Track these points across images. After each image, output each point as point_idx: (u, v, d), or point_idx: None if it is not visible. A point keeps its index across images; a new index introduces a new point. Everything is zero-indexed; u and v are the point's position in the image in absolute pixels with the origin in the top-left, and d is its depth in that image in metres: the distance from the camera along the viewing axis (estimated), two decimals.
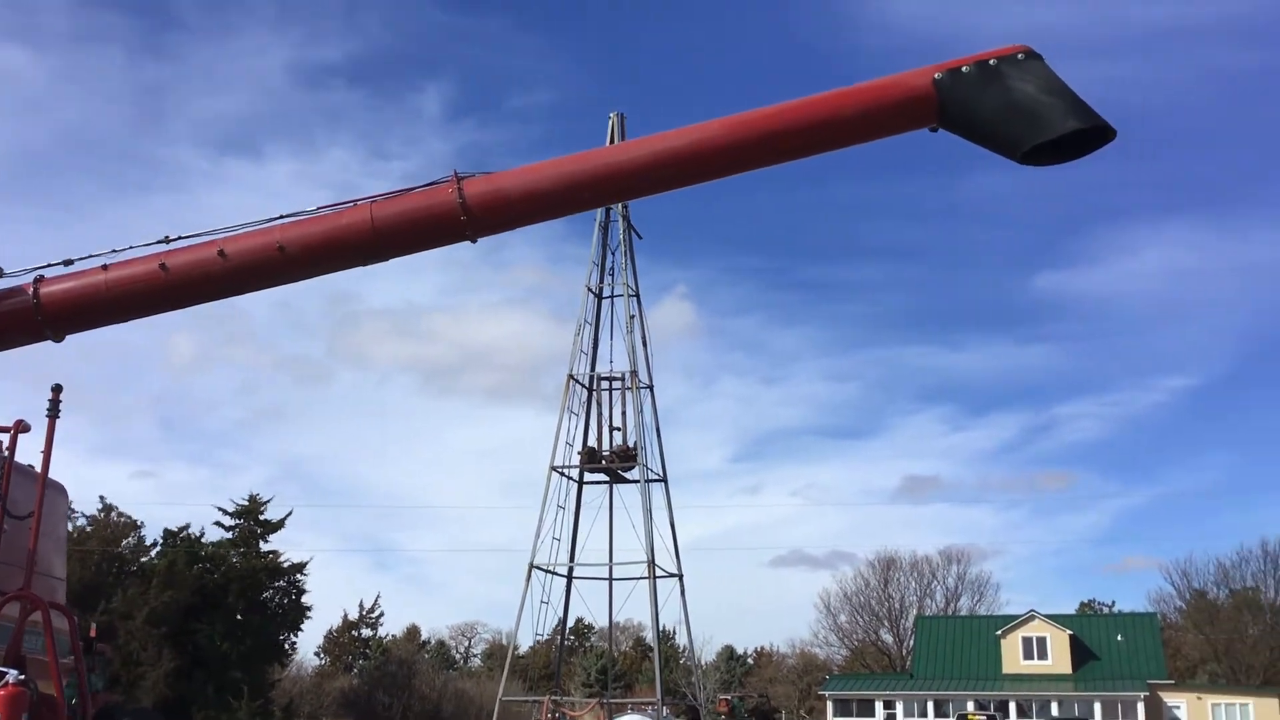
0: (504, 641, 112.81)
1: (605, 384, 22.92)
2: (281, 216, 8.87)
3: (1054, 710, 66.27)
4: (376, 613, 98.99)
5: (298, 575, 59.37)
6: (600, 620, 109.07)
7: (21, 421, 6.98)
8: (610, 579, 24.38)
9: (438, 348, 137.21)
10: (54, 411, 6.99)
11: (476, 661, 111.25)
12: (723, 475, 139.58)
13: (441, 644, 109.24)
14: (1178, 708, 67.94)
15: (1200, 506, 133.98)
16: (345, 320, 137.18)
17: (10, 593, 6.86)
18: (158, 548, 58.68)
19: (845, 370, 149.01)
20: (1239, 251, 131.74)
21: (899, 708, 71.08)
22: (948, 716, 68.33)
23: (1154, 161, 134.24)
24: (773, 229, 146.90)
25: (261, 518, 59.74)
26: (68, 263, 8.87)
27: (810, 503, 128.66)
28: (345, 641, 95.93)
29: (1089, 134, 8.14)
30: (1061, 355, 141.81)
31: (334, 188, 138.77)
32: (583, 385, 23.59)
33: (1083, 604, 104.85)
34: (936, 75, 8.34)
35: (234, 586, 55.93)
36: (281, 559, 59.10)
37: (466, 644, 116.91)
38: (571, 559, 23.95)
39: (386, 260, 8.85)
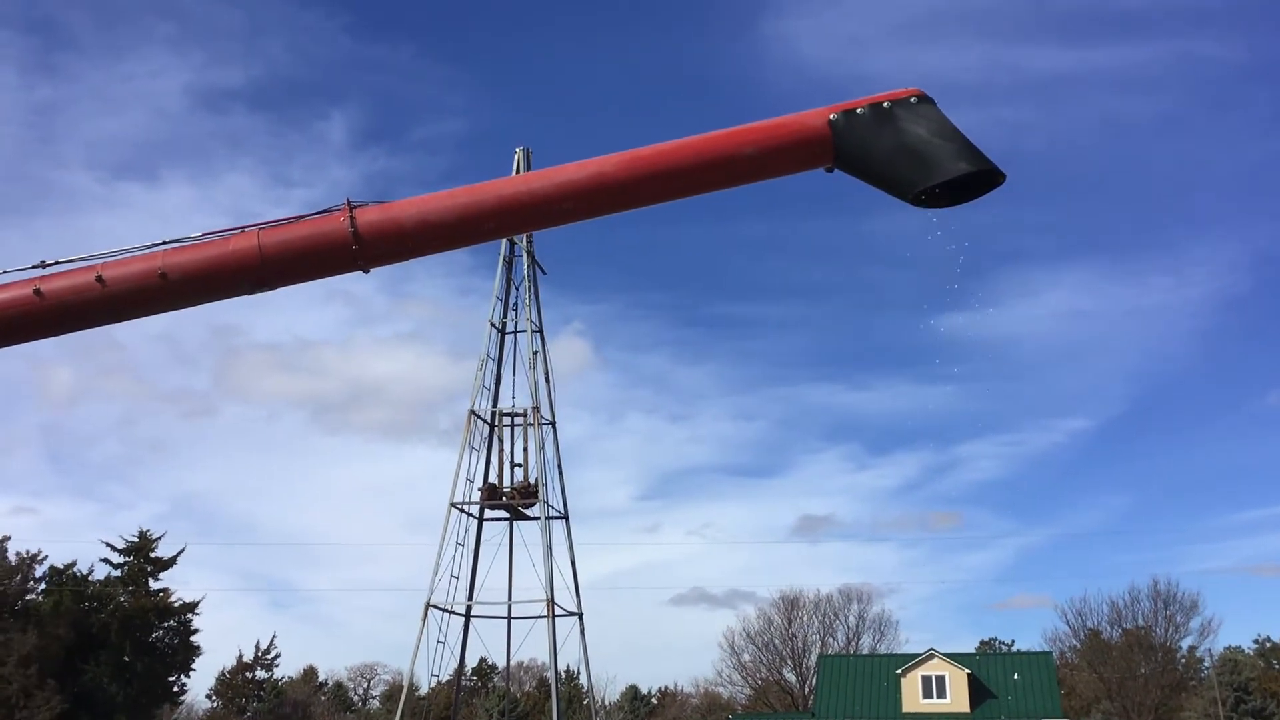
0: (403, 683, 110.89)
1: (507, 420, 22.69)
2: (165, 242, 8.59)
3: None
4: (272, 653, 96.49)
5: (189, 615, 57.67)
6: (501, 660, 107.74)
7: None
8: (509, 618, 24.09)
9: (328, 383, 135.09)
10: None
11: (375, 703, 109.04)
12: (627, 513, 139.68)
13: (339, 685, 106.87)
14: None
15: (1096, 546, 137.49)
16: (230, 353, 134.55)
17: None
18: (43, 585, 56.60)
19: (751, 408, 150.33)
20: (1134, 295, 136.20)
21: None
22: None
23: (1051, 206, 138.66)
24: (681, 265, 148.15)
25: (152, 555, 58.05)
26: None
27: (711, 541, 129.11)
28: (239, 683, 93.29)
29: (979, 177, 8.28)
30: (963, 395, 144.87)
31: (234, 215, 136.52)
32: (484, 421, 23.35)
33: (982, 642, 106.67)
34: (832, 116, 8.41)
35: (120, 626, 54.12)
36: (172, 598, 57.41)
37: (365, 685, 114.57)
38: (470, 597, 23.60)
39: (274, 289, 8.61)
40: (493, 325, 23.23)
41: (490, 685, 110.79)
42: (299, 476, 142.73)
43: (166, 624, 56.98)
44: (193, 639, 57.66)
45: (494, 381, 22.79)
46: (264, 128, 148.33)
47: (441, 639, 22.35)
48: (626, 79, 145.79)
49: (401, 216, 8.53)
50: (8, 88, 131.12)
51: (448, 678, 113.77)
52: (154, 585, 57.52)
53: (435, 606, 22.05)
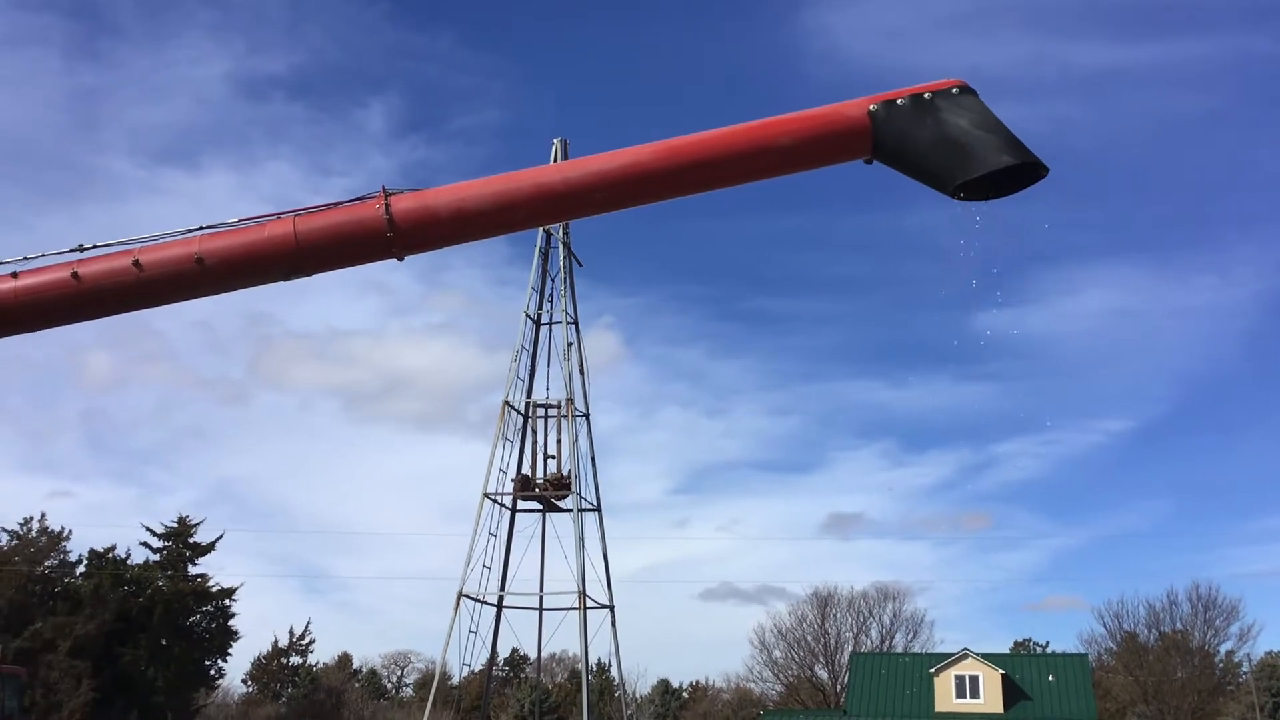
0: (435, 671, 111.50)
1: (541, 411, 22.67)
2: (202, 227, 8.63)
3: None
4: (307, 640, 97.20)
5: (227, 600, 58.20)
6: (533, 651, 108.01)
7: None
8: (540, 609, 24.07)
9: (361, 372, 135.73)
10: None
11: (409, 691, 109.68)
12: (659, 507, 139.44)
13: (373, 673, 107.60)
14: None
15: (1134, 549, 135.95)
16: (265, 342, 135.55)
17: None
18: (82, 568, 57.30)
19: (786, 404, 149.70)
20: (1177, 295, 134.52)
21: None
22: None
23: (1096, 203, 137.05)
24: (718, 258, 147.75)
25: (191, 540, 58.63)
26: None
27: (741, 537, 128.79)
28: (274, 669, 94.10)
29: (1021, 170, 8.15)
30: (1001, 394, 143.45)
31: (275, 202, 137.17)
32: (518, 412, 23.34)
33: (1016, 643, 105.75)
34: (871, 107, 8.31)
35: (160, 610, 54.71)
36: (210, 583, 57.95)
37: (399, 673, 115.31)
38: (502, 588, 23.60)
39: (309, 275, 8.63)
40: (528, 316, 23.23)
41: (522, 676, 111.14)
42: (332, 465, 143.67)
43: (204, 609, 57.55)
44: (230, 624, 58.22)
45: (528, 373, 22.79)
46: (304, 115, 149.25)
47: (474, 629, 22.37)
48: (664, 70, 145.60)
49: (436, 204, 8.51)
50: (52, 73, 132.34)
51: (479, 667, 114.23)
52: (192, 570, 58.11)
53: (468, 596, 22.08)
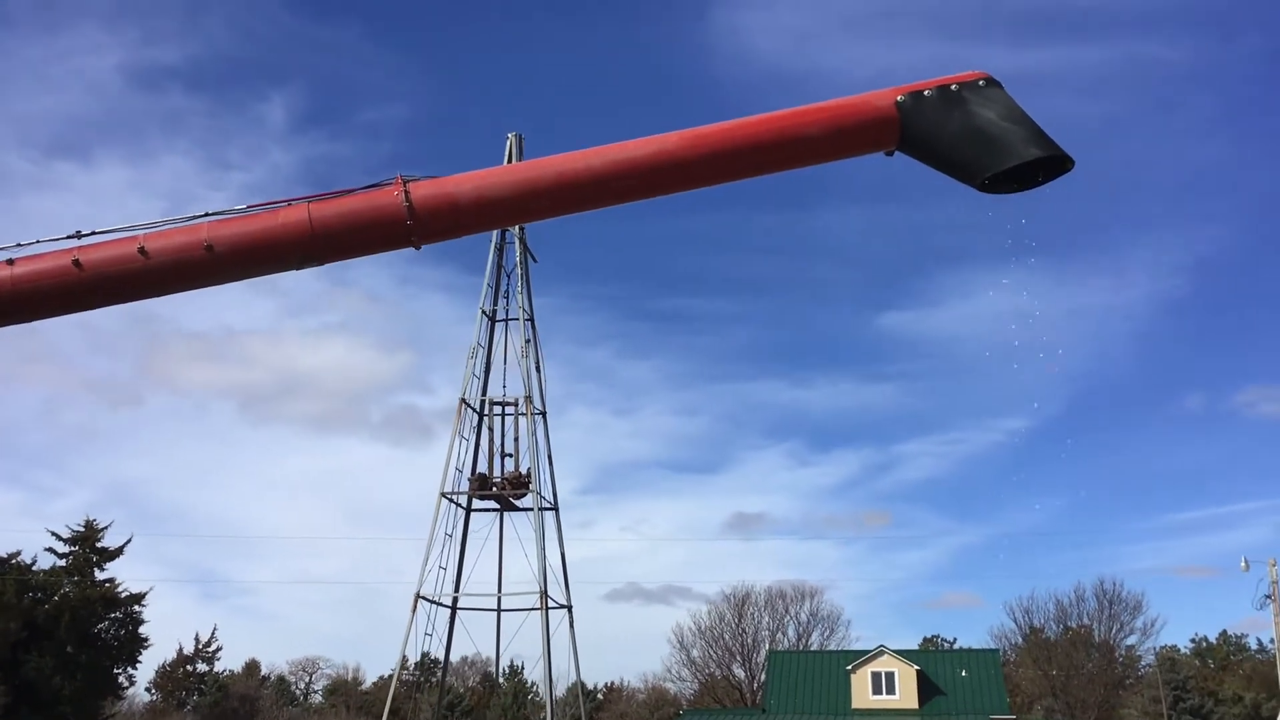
0: (348, 676, 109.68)
1: (497, 409, 22.32)
2: (207, 214, 8.28)
3: None
4: (214, 646, 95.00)
5: (136, 607, 56.52)
6: (484, 649, 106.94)
7: None
8: (499, 610, 23.73)
9: (256, 373, 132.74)
10: None
11: (318, 697, 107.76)
12: (567, 507, 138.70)
13: (282, 679, 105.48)
14: None
15: (1032, 545, 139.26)
16: (153, 342, 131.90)
17: None
18: None
19: (694, 404, 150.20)
20: (1074, 296, 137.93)
21: None
22: None
23: (992, 205, 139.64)
24: (626, 258, 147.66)
25: (98, 544, 56.81)
26: None
27: (648, 537, 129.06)
28: (179, 676, 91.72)
29: (1048, 163, 8.20)
30: (904, 394, 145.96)
31: (170, 197, 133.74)
32: (474, 410, 22.95)
33: (925, 639, 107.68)
34: (899, 98, 8.30)
35: (67, 617, 52.90)
36: (119, 589, 56.22)
37: (307, 679, 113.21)
38: (457, 589, 23.21)
39: (322, 264, 8.32)
40: (483, 312, 22.89)
41: (433, 680, 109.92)
42: (229, 467, 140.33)
43: (113, 615, 55.80)
44: (140, 631, 56.54)
45: (484, 370, 22.39)
46: (202, 108, 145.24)
47: (429, 630, 21.93)
48: (574, 67, 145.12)
49: (457, 192, 8.28)
50: None
51: (389, 671, 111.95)
52: (100, 576, 56.32)
53: (424, 598, 21.63)
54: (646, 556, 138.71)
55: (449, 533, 21.15)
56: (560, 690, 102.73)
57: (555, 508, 22.18)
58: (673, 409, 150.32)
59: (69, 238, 8.23)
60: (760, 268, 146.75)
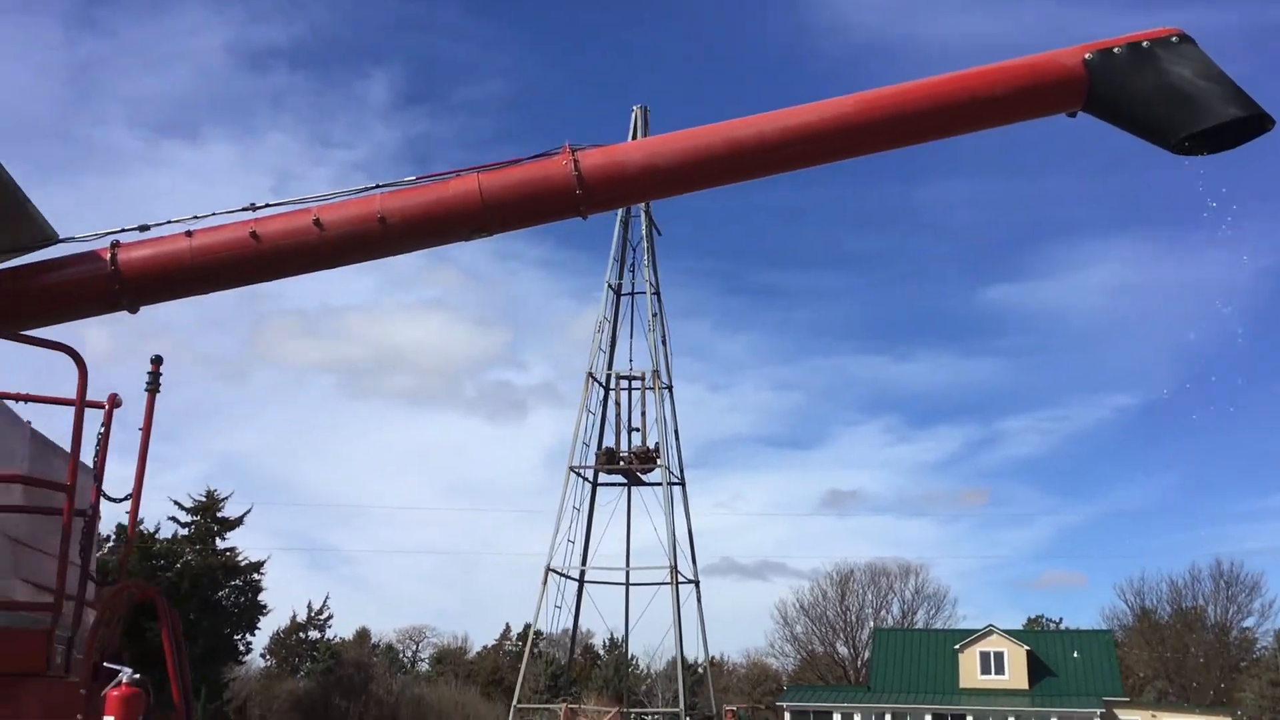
0: (454, 645, 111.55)
1: (625, 383, 22.29)
2: (377, 185, 8.29)
3: None
4: (325, 614, 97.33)
5: (255, 575, 58.10)
6: (565, 625, 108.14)
7: (115, 395, 6.33)
8: (627, 584, 23.78)
9: (355, 349, 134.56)
10: (154, 385, 6.35)
11: (424, 666, 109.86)
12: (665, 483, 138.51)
13: (390, 647, 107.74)
14: None
15: (1139, 524, 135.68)
16: (259, 318, 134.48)
17: (120, 583, 6.24)
18: (110, 544, 57.09)
19: (791, 378, 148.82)
20: (1187, 270, 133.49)
21: (856, 719, 71.05)
22: None
23: (1106, 176, 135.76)
24: (724, 231, 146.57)
25: (218, 514, 58.42)
26: (143, 228, 8.22)
27: (743, 512, 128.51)
28: (292, 643, 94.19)
29: (1246, 123, 7.80)
30: (1008, 369, 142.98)
31: (275, 174, 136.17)
32: (600, 384, 22.93)
33: (1030, 619, 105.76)
34: (1086, 56, 7.97)
35: (188, 585, 54.57)
36: (239, 557, 57.82)
37: (414, 648, 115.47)
38: (584, 562, 23.29)
39: (492, 234, 8.28)
40: (609, 286, 22.80)
41: (536, 651, 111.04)
42: (331, 441, 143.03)
43: (233, 583, 57.42)
44: (259, 598, 58.13)
45: (609, 344, 22.37)
46: (305, 86, 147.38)
47: (559, 603, 22.10)
48: (669, 43, 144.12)
49: (626, 160, 8.17)
50: (52, 45, 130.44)
51: (495, 642, 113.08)
52: (220, 545, 57.97)
53: (554, 571, 21.76)
54: (742, 532, 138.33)
55: (576, 506, 21.27)
56: (660, 665, 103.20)
57: (682, 482, 22.12)
58: (770, 384, 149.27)
59: (242, 210, 8.30)
60: (861, 241, 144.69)
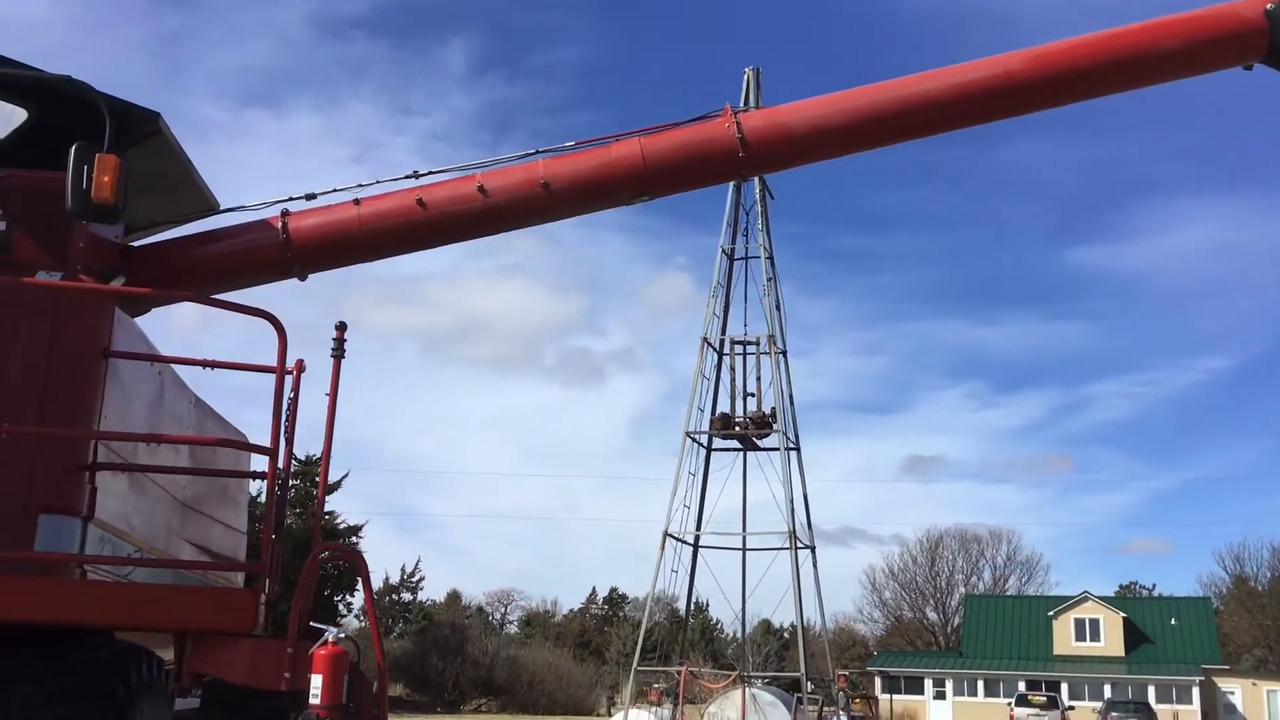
0: (543, 608, 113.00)
1: (738, 348, 22.27)
2: (538, 151, 8.31)
3: (1107, 693, 65.59)
4: (417, 577, 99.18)
5: (354, 538, 59.29)
6: (728, 590, 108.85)
7: (301, 361, 6.44)
8: (744, 549, 23.88)
9: (436, 316, 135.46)
10: (339, 351, 6.45)
11: (513, 628, 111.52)
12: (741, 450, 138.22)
13: (480, 610, 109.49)
14: (1232, 693, 67.19)
15: (1233, 491, 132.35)
16: (344, 286, 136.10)
17: (323, 545, 6.36)
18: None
19: (873, 344, 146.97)
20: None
21: (948, 685, 70.60)
22: (997, 696, 67.84)
23: (1197, 133, 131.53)
24: (804, 196, 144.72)
25: (317, 479, 59.61)
26: (310, 197, 8.35)
27: (823, 479, 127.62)
28: (386, 605, 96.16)
29: None
30: (1095, 332, 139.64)
31: (357, 144, 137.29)
32: (714, 349, 22.93)
33: (1121, 586, 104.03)
34: (1268, 6, 7.69)
35: (290, 549, 55.79)
36: (338, 520, 59.04)
37: (503, 610, 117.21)
38: (698, 528, 23.42)
39: (653, 198, 8.27)
40: (723, 251, 22.74)
41: (621, 614, 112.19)
42: (416, 408, 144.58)
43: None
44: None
45: (723, 309, 22.37)
46: (385, 55, 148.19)
47: (675, 568, 22.27)
48: (750, 5, 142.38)
49: (790, 121, 8.08)
50: (138, 17, 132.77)
51: (581, 605, 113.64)
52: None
53: (671, 536, 21.91)
54: (822, 498, 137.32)
55: (692, 472, 21.40)
56: (746, 630, 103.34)
57: (798, 447, 22.09)
58: (851, 349, 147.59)
59: (406, 177, 8.38)
60: (944, 204, 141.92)
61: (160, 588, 7.21)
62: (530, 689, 65.77)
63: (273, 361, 6.47)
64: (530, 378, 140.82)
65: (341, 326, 6.72)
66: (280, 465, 6.59)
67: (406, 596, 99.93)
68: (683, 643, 26.07)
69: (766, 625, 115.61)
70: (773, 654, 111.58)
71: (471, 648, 67.44)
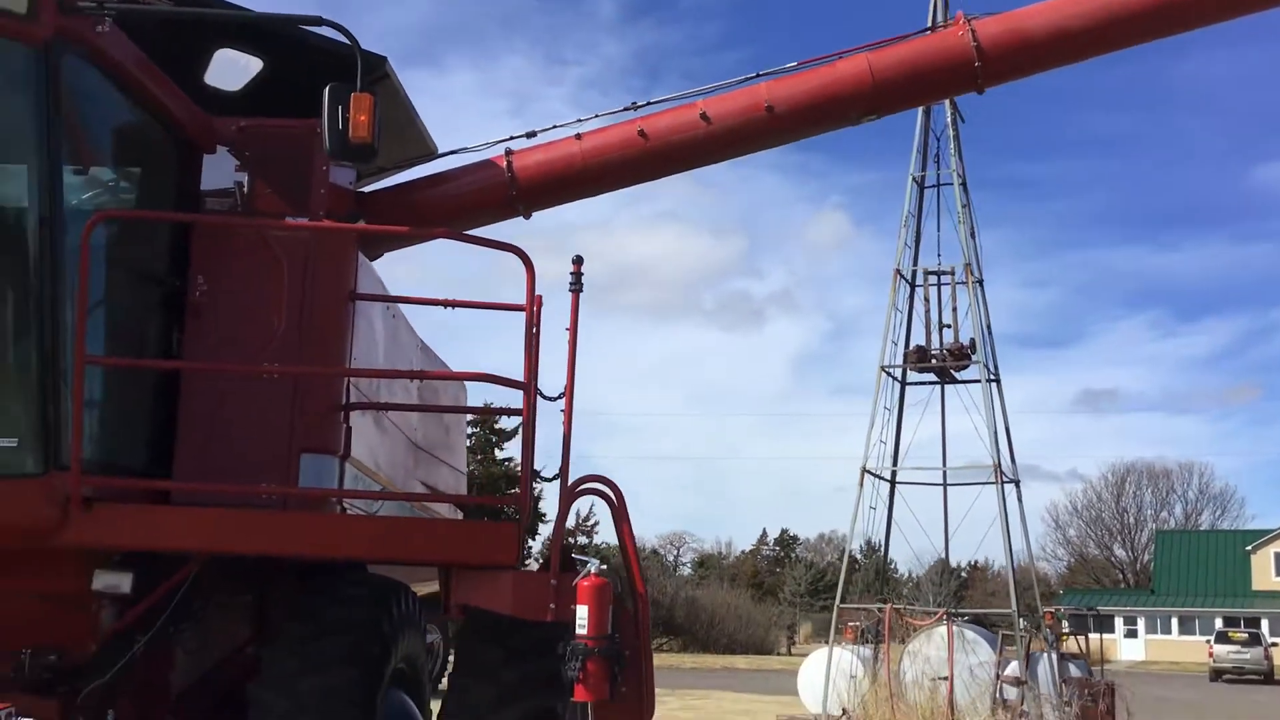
0: (715, 550, 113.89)
1: (932, 279, 21.70)
2: (758, 74, 8.07)
3: None
4: (591, 521, 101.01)
5: (535, 484, 60.58)
6: (821, 528, 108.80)
7: (540, 297, 6.38)
8: (945, 484, 23.42)
9: (592, 265, 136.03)
10: (576, 285, 6.38)
11: (686, 570, 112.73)
12: (918, 386, 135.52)
13: (655, 552, 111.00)
14: None
15: None
16: (503, 237, 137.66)
17: (585, 476, 6.36)
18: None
19: (1044, 274, 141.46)
20: None
21: (1140, 624, 68.44)
22: (1192, 634, 65.47)
23: None
24: (966, 123, 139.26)
25: (496, 426, 60.86)
26: (530, 134, 8.32)
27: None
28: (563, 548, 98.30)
29: None
30: None
31: (513, 97, 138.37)
32: (907, 281, 22.37)
33: None
34: None
35: (472, 495, 57.31)
36: (517, 467, 60.35)
37: (675, 552, 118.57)
38: (895, 463, 23.03)
39: (882, 116, 7.96)
40: (913, 179, 22.08)
41: (793, 555, 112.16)
42: (579, 355, 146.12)
43: (512, 491, 60.01)
44: (539, 506, 60.62)
45: (914, 240, 21.80)
46: (537, 6, 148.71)
47: (873, 505, 21.99)
48: None
49: (1029, 26, 7.63)
50: None
51: (753, 546, 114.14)
52: (499, 455, 60.59)
53: (869, 472, 21.61)
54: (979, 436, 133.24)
55: (887, 406, 21.00)
56: (920, 569, 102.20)
57: (998, 379, 21.42)
58: (1021, 281, 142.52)
59: (624, 110, 8.27)
60: (1116, 125, 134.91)
61: (433, 522, 7.38)
62: (710, 629, 66.39)
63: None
64: (689, 323, 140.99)
65: (578, 260, 6.65)
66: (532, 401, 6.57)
67: (583, 540, 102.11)
68: (883, 580, 25.73)
69: (943, 564, 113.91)
70: (950, 593, 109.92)
71: (650, 589, 68.29)
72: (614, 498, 6.37)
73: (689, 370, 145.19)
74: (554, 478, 6.66)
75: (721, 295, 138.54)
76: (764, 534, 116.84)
